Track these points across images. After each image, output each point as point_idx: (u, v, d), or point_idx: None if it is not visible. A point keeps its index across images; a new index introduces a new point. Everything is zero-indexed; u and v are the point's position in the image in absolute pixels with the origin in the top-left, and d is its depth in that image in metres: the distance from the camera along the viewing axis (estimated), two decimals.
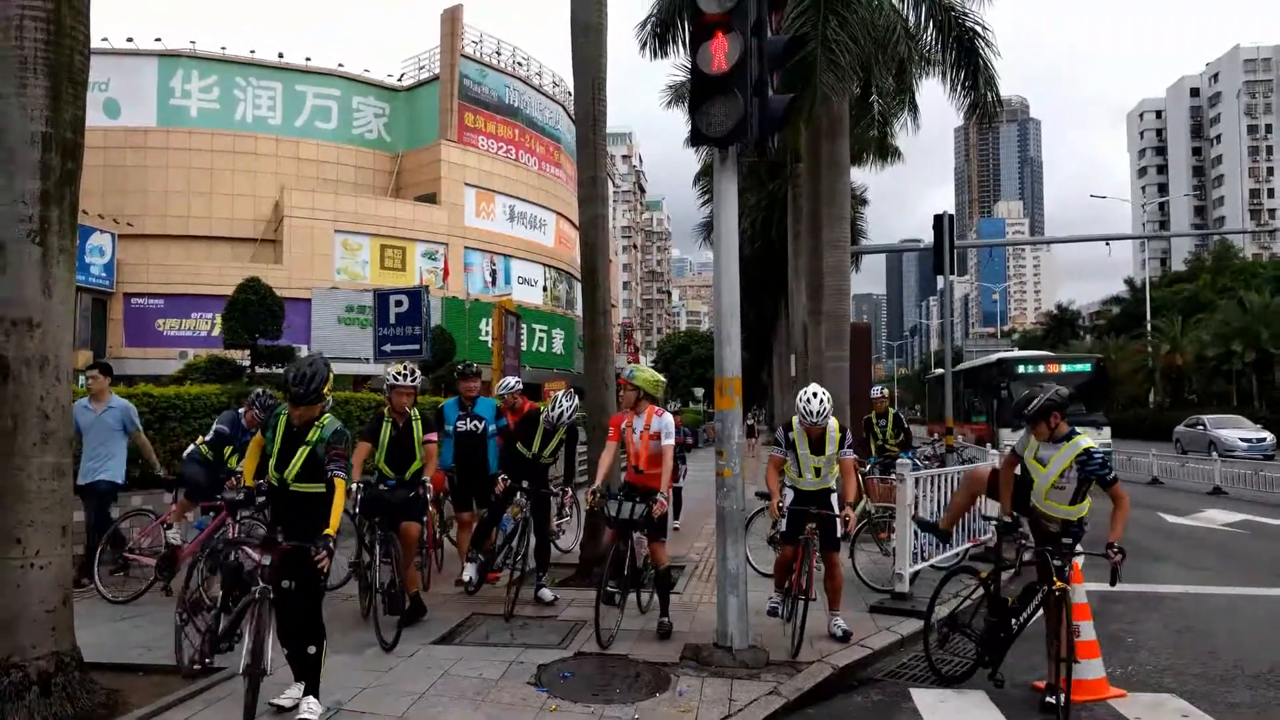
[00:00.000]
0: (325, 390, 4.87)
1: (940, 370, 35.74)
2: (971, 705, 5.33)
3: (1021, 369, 23.24)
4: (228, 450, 7.60)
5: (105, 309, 35.90)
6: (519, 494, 7.42)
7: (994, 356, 26.11)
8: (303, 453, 4.81)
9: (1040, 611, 5.31)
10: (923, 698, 5.45)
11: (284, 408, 4.90)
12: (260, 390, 7.94)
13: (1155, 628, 7.26)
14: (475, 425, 8.32)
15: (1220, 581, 9.19)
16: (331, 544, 4.51)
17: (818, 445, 6.44)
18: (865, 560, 8.75)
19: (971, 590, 5.91)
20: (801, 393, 6.47)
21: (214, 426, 7.73)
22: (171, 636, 5.33)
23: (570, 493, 7.77)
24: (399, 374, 6.78)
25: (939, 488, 8.74)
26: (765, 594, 6.97)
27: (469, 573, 7.47)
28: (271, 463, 4.87)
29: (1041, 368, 23.41)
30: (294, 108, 42.04)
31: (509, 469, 7.50)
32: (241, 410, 7.73)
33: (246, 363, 15.31)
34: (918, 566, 8.01)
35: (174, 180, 38.75)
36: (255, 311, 15.01)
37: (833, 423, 6.46)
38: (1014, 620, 5.34)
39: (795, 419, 6.50)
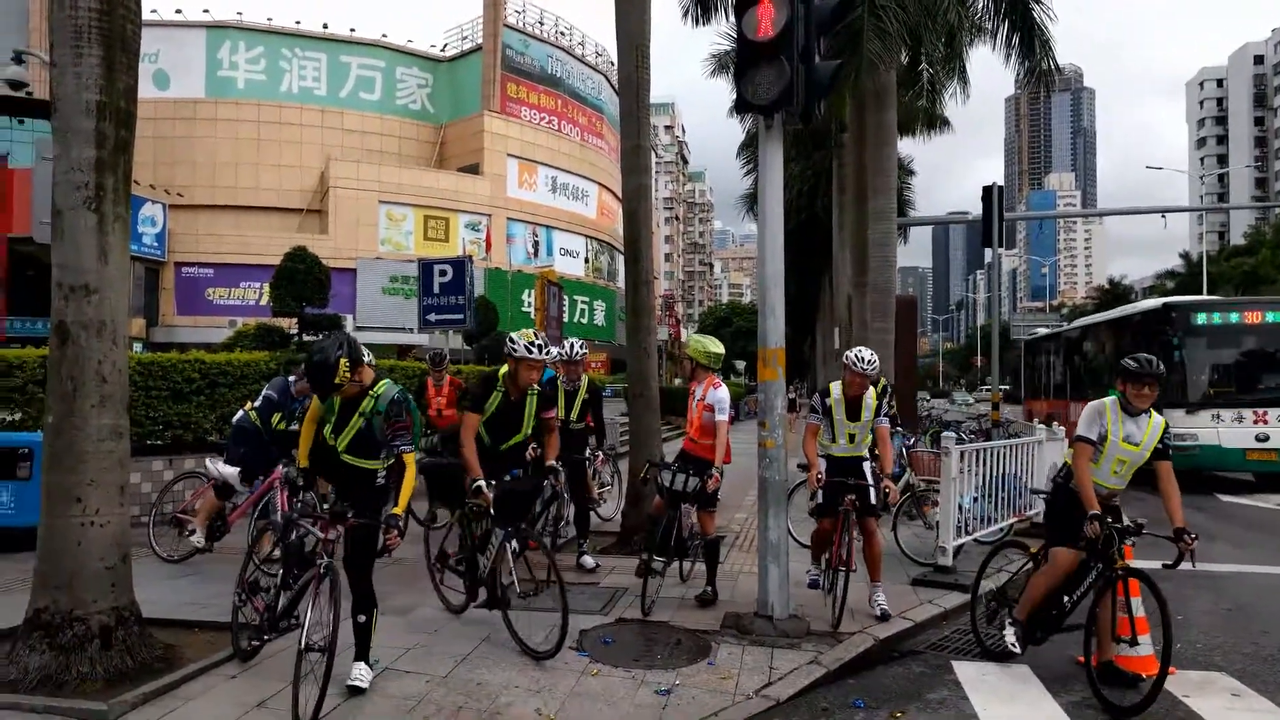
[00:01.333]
0: (337, 380, 4.59)
1: (1043, 330, 29.56)
2: (1014, 679, 5.28)
3: (1202, 318, 15.61)
4: (276, 417, 7.69)
5: (158, 278, 36.69)
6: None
7: (1156, 302, 17.74)
8: (355, 423, 4.80)
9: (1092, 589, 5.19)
10: (965, 670, 5.42)
11: None
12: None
13: (1206, 606, 7.13)
14: None
15: (1274, 561, 9.00)
16: (401, 523, 4.50)
17: (854, 411, 6.38)
18: (907, 534, 8.70)
19: (1021, 565, 5.81)
20: (850, 350, 6.43)
21: (263, 392, 7.79)
22: (224, 595, 5.45)
23: (605, 458, 7.82)
24: (532, 344, 5.60)
25: (984, 463, 8.63)
26: (806, 565, 6.96)
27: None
28: (328, 426, 4.86)
29: (1234, 316, 15.67)
30: (338, 78, 42.36)
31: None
32: (292, 379, 7.78)
33: (294, 331, 15.55)
34: (961, 540, 7.94)
35: (222, 151, 39.33)
36: (303, 280, 15.21)
37: (871, 390, 6.40)
38: (1066, 598, 5.24)
39: (834, 385, 6.47)
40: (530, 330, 5.84)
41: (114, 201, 4.88)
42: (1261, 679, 5.32)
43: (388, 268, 36.84)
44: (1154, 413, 5.09)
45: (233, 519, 7.62)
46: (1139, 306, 18.84)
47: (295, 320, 15.50)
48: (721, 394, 6.65)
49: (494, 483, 5.38)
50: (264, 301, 23.42)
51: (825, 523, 6.43)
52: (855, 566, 6.24)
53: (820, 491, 6.36)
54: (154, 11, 38.03)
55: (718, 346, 6.94)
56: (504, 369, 5.73)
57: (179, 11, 40.42)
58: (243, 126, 39.71)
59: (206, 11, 40.94)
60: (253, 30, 41.26)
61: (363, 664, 4.71)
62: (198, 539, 7.49)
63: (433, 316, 15.66)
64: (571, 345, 7.84)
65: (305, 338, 15.33)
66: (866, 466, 6.47)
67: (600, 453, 7.78)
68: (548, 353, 5.78)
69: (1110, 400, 5.16)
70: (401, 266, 35.00)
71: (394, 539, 4.46)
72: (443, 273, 15.53)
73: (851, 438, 6.45)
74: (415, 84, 44.84)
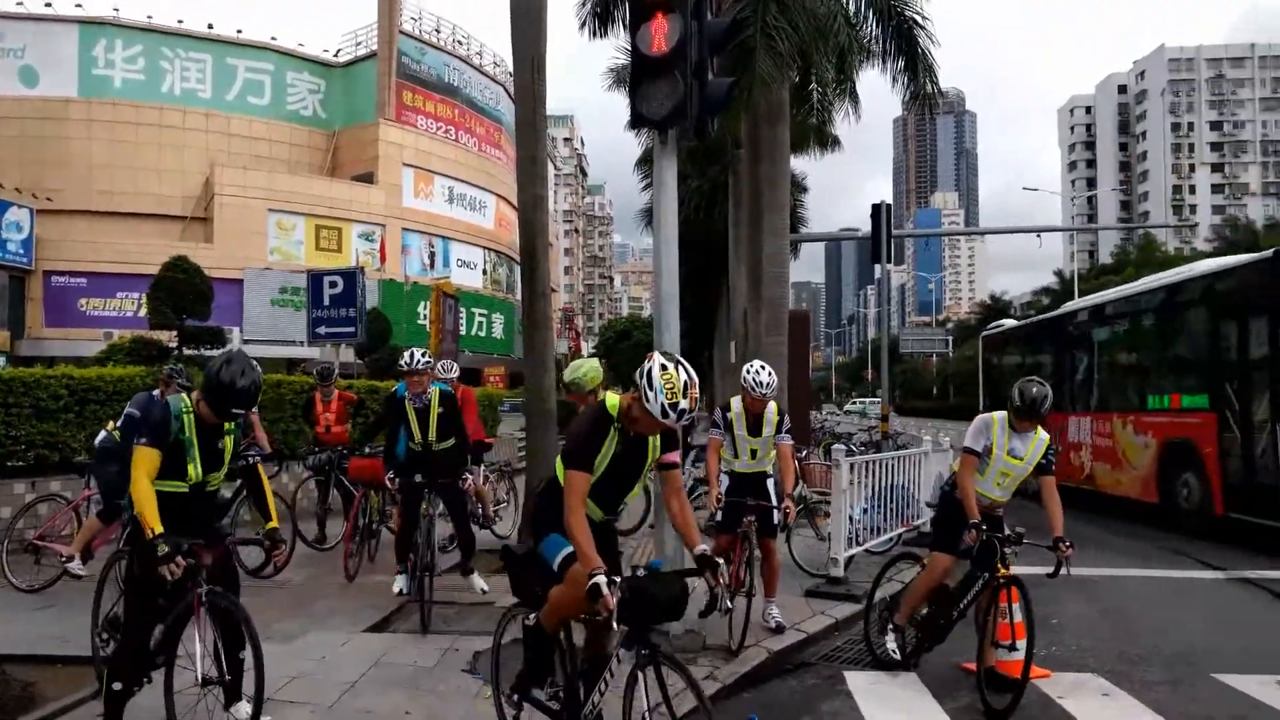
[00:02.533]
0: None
1: (1004, 323, 22.61)
2: (903, 686, 5.42)
3: None
4: None
5: (24, 287, 34.49)
6: (425, 490, 6.94)
7: (1263, 254, 10.82)
8: (228, 445, 4.42)
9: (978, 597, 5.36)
10: (856, 680, 5.53)
11: (184, 404, 4.32)
12: (173, 366, 7.56)
13: (1079, 610, 7.47)
14: None
15: (1141, 564, 9.52)
16: (282, 535, 4.32)
17: (755, 427, 6.40)
18: (800, 545, 8.83)
19: (914, 576, 5.95)
20: (748, 366, 6.36)
21: (125, 410, 7.29)
22: (88, 628, 5.10)
23: (500, 474, 7.51)
24: (672, 408, 3.58)
25: (874, 474, 8.86)
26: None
27: (399, 584, 7.18)
28: (195, 465, 4.32)
29: None
30: (225, 81, 40.84)
31: (405, 467, 7.05)
32: (156, 392, 7.33)
33: (174, 344, 14.84)
34: (852, 551, 8.12)
35: (97, 153, 37.35)
36: (183, 291, 14.58)
37: (772, 405, 6.43)
38: (953, 610, 5.41)
39: (734, 399, 6.48)
40: (677, 379, 3.60)
41: None
42: (1129, 679, 5.59)
43: (277, 278, 35.61)
44: (1039, 429, 5.33)
45: (97, 545, 7.16)
46: (1229, 261, 12.02)
47: (175, 333, 14.80)
48: None
49: (618, 579, 3.55)
50: (142, 313, 22.31)
51: (723, 540, 6.40)
52: (755, 591, 6.18)
53: (720, 510, 6.35)
54: (20, 3, 35.96)
55: (584, 367, 6.99)
56: (612, 399, 3.91)
57: (49, 5, 38.20)
58: (120, 128, 37.77)
59: (79, 6, 38.82)
60: (131, 28, 39.35)
61: (245, 703, 4.44)
62: (76, 566, 6.98)
63: (322, 329, 15.21)
64: (412, 354, 6.90)
65: (185, 351, 14.64)
66: (770, 484, 6.49)
67: (481, 467, 7.21)
68: (685, 419, 3.71)
69: (1000, 415, 5.39)
70: (291, 277, 33.87)
71: (282, 553, 4.28)
72: (333, 284, 15.12)
73: (754, 453, 6.44)
74: (307, 89, 43.60)
